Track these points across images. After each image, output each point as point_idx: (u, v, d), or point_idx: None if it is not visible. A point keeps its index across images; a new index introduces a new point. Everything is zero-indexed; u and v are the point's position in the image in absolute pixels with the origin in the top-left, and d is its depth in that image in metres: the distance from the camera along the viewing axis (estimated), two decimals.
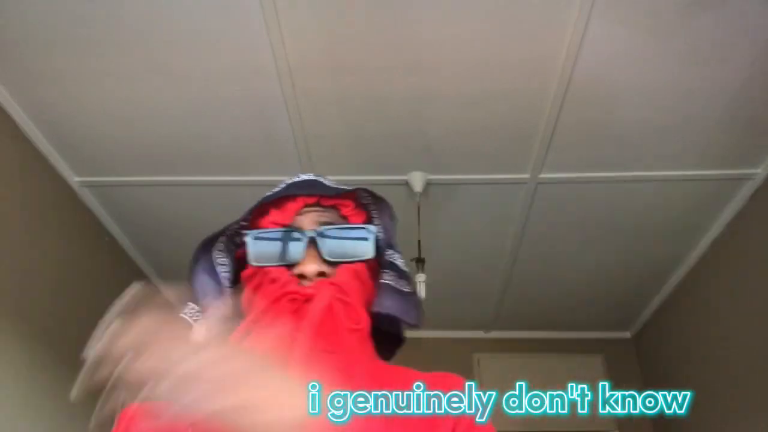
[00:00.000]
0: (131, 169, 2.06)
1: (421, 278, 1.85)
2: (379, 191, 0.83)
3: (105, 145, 1.96)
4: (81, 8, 1.50)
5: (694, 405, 2.55)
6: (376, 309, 0.75)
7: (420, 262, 1.91)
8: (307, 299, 0.67)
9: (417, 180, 2.05)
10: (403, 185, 2.10)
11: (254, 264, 0.73)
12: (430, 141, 1.93)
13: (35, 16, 1.52)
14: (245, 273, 0.75)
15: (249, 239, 0.74)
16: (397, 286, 0.79)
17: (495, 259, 2.57)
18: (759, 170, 1.99)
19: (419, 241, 1.98)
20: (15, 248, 1.82)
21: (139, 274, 2.64)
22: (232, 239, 0.80)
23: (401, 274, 0.79)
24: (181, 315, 0.75)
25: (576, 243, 2.45)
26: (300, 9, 1.51)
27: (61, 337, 2.04)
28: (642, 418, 2.97)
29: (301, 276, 0.70)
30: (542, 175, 2.05)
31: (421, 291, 1.83)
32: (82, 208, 2.21)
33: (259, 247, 0.73)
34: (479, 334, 3.17)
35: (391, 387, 0.65)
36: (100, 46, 1.60)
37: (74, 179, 2.10)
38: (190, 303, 0.76)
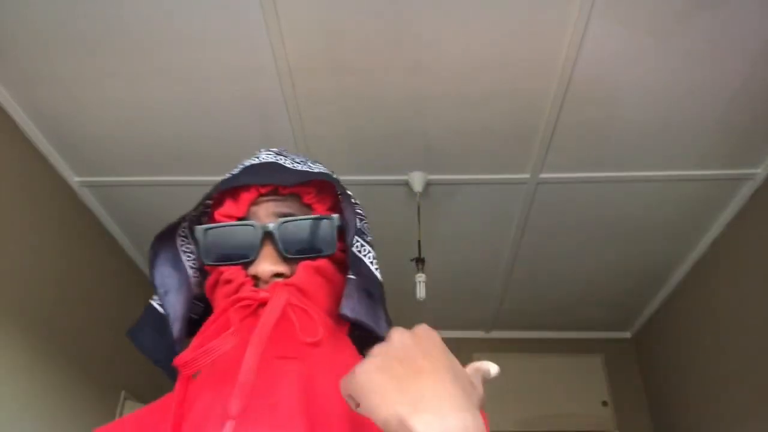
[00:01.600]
0: (131, 169, 2.06)
1: (420, 278, 1.86)
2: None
3: (105, 145, 1.96)
4: (81, 8, 1.50)
5: (694, 405, 2.55)
6: (343, 312, 0.66)
7: (420, 262, 1.91)
8: (262, 304, 0.61)
9: (417, 180, 2.05)
10: (403, 185, 2.10)
11: (207, 262, 0.66)
12: (430, 141, 1.93)
13: (35, 16, 1.52)
14: (208, 268, 0.69)
15: (199, 234, 0.67)
16: (366, 285, 0.69)
17: (495, 259, 2.57)
18: (759, 170, 1.99)
19: (419, 241, 1.98)
20: (15, 248, 1.82)
21: (139, 274, 2.65)
22: (197, 221, 0.73)
23: (366, 272, 0.69)
24: (150, 301, 0.70)
25: (576, 243, 2.45)
26: (300, 9, 1.51)
27: (62, 337, 2.04)
28: (642, 419, 2.98)
29: (256, 277, 0.64)
30: (542, 175, 2.05)
31: (421, 291, 1.83)
32: (82, 208, 2.21)
33: (210, 244, 0.66)
34: (479, 334, 3.17)
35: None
36: (100, 47, 1.60)
37: (74, 179, 2.10)
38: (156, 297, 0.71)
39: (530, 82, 1.71)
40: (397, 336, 0.46)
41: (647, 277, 2.68)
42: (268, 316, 0.59)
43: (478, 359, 0.60)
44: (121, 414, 2.36)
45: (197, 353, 0.57)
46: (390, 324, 0.70)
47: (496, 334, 3.16)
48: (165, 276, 0.70)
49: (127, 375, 2.49)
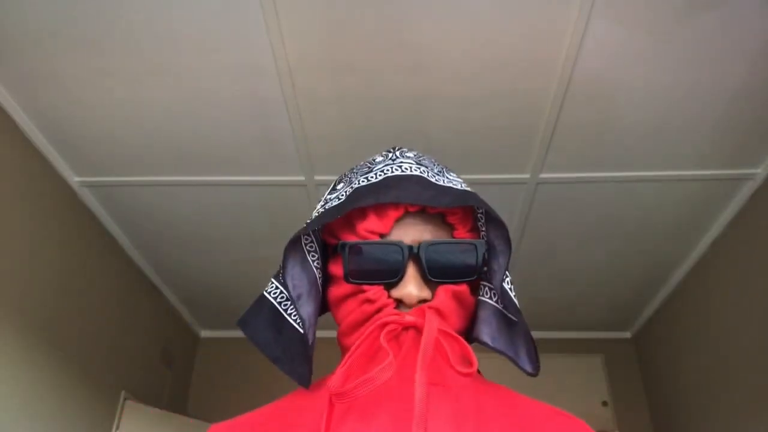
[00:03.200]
0: (131, 169, 2.06)
1: None
2: None
3: (105, 145, 1.96)
4: (81, 8, 1.50)
5: (694, 405, 2.55)
6: (481, 338, 0.67)
7: None
8: (406, 328, 0.62)
9: None
10: None
11: (349, 280, 0.65)
12: (430, 141, 1.93)
13: (35, 16, 1.52)
14: (334, 271, 0.68)
15: (342, 249, 0.65)
16: (507, 313, 0.69)
17: None
18: (759, 170, 1.99)
19: None
20: (15, 248, 1.82)
21: (139, 274, 2.65)
22: (320, 221, 0.70)
23: (509, 301, 0.68)
24: (264, 293, 0.69)
25: (576, 243, 2.45)
26: (300, 9, 1.51)
27: (61, 337, 2.04)
28: (642, 419, 2.98)
29: (399, 300, 0.64)
30: (542, 175, 2.05)
31: None
32: (82, 208, 2.21)
33: (353, 260, 0.65)
34: None
35: (507, 420, 0.60)
36: (100, 46, 1.60)
37: (74, 179, 2.10)
38: (275, 282, 0.70)
39: (530, 82, 1.71)
40: None
41: (647, 277, 2.68)
42: (427, 344, 0.58)
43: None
44: (120, 414, 2.36)
45: (356, 384, 0.56)
46: (534, 354, 0.69)
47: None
48: (295, 278, 0.68)
49: (127, 375, 2.49)
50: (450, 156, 1.99)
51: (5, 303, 1.76)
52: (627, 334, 3.22)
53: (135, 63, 1.65)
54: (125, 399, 2.41)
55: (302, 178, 2.07)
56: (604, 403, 3.00)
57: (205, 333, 3.31)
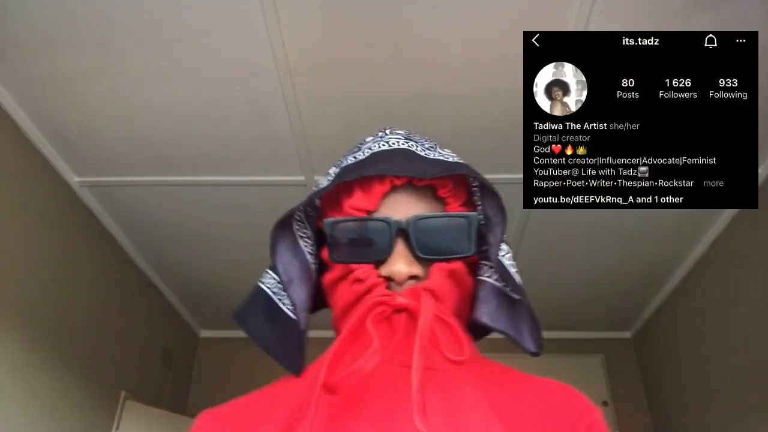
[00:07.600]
0: (131, 169, 2.06)
1: None
2: None
3: (105, 145, 1.96)
4: (81, 8, 1.50)
5: (694, 405, 2.55)
6: (480, 319, 0.63)
7: None
8: (398, 310, 0.58)
9: None
10: None
11: (335, 259, 0.62)
12: None
13: (36, 17, 1.52)
14: (325, 255, 0.64)
15: (326, 228, 0.62)
16: (504, 289, 0.64)
17: None
18: (759, 170, 1.99)
19: None
20: (15, 248, 1.82)
21: (139, 274, 2.64)
22: (311, 204, 0.67)
23: (508, 277, 0.63)
24: (258, 284, 0.67)
25: (576, 243, 2.45)
26: (300, 9, 1.51)
27: (61, 337, 2.04)
28: (642, 419, 2.98)
29: (389, 278, 0.60)
30: None
31: None
32: (82, 208, 2.21)
33: (339, 238, 0.61)
34: None
35: (500, 400, 0.57)
36: (100, 47, 1.60)
37: (74, 179, 2.10)
38: (270, 272, 0.67)
39: None
40: None
41: (647, 277, 2.68)
42: (423, 333, 0.55)
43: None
44: (120, 414, 2.36)
45: (345, 375, 0.53)
46: (537, 333, 0.66)
47: (496, 334, 3.16)
48: (286, 264, 0.65)
49: (127, 375, 2.49)
50: None
51: (5, 303, 1.76)
52: (627, 334, 3.22)
53: (135, 63, 1.66)
54: (125, 399, 2.41)
55: (302, 178, 2.07)
56: (604, 403, 2.99)
57: (205, 333, 3.31)
